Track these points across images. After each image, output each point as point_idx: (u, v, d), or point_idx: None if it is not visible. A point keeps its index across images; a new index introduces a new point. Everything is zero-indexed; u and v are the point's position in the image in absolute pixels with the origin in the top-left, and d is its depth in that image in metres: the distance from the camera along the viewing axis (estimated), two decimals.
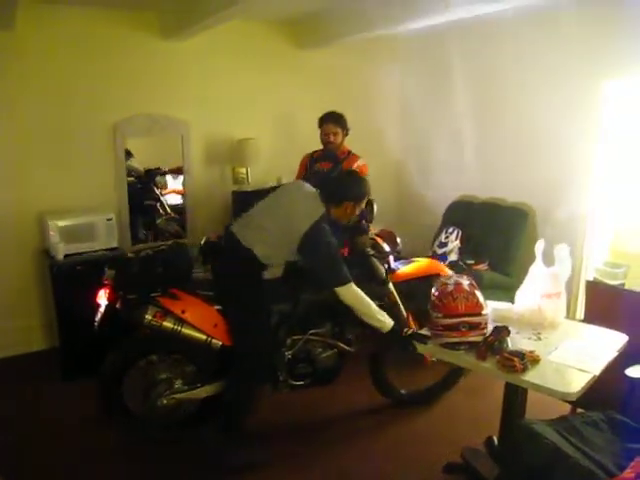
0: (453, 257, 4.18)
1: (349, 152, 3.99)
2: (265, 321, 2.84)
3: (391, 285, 3.10)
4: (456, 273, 2.96)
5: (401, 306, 3.13)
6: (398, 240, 3.22)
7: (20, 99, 3.91)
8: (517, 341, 2.37)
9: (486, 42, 4.54)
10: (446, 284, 2.47)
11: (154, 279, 2.78)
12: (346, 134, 3.97)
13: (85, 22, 4.02)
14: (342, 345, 3.09)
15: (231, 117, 4.68)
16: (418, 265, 3.32)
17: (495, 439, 2.81)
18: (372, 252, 3.04)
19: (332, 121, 3.90)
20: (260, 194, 4.04)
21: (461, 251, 4.25)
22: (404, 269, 3.24)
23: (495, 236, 4.33)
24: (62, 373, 3.76)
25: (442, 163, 5.20)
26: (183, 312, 2.75)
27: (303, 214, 2.74)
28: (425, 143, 5.38)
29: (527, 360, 2.16)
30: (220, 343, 2.82)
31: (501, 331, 2.34)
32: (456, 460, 2.80)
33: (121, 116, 4.25)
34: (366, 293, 2.80)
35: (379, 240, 3.15)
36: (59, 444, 3.07)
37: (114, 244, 4.02)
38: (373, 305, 2.74)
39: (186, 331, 2.78)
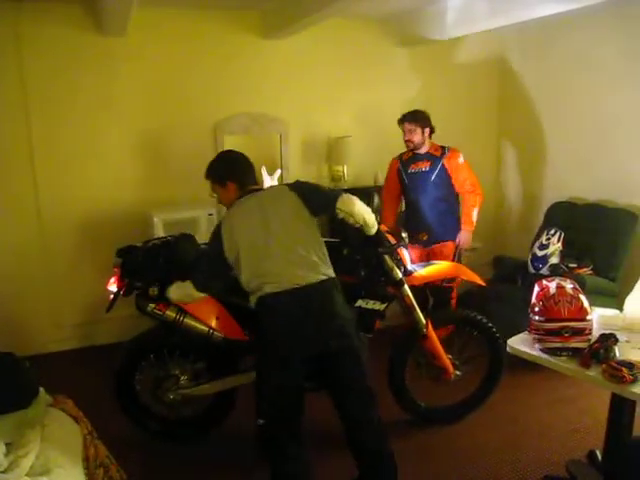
0: (554, 260, 4.02)
1: (444, 147, 3.93)
2: None
3: (407, 287, 2.92)
4: (557, 276, 2.83)
5: (418, 309, 2.96)
6: (403, 235, 3.04)
7: (130, 100, 4.17)
8: (626, 350, 2.24)
9: (588, 35, 4.33)
10: (548, 287, 2.38)
11: (157, 269, 2.77)
12: (431, 131, 3.91)
13: (189, 24, 4.21)
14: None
15: (328, 115, 4.73)
16: (437, 268, 3.20)
17: (598, 453, 2.67)
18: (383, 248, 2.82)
19: (409, 119, 3.86)
20: (358, 192, 4.04)
21: (563, 254, 4.07)
22: (422, 271, 3.09)
23: (600, 239, 4.13)
24: None
25: (544, 162, 5.01)
26: (185, 303, 2.75)
27: (278, 195, 2.53)
28: (525, 142, 5.20)
29: (637, 371, 2.04)
30: (222, 336, 2.80)
31: (608, 339, 2.22)
32: (554, 473, 2.69)
33: (222, 115, 4.41)
34: (376, 293, 2.84)
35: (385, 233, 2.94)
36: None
37: None
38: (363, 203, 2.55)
39: (188, 322, 2.78)
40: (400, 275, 2.88)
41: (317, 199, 2.49)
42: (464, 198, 3.98)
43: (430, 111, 3.93)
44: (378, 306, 2.90)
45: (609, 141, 4.39)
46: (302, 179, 2.67)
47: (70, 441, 1.99)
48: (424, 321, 2.95)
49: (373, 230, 2.61)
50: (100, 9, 3.49)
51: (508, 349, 2.44)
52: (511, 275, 4.28)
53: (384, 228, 2.94)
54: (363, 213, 2.53)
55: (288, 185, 2.56)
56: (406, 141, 3.91)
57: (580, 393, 3.44)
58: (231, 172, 2.59)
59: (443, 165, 3.88)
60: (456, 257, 4.00)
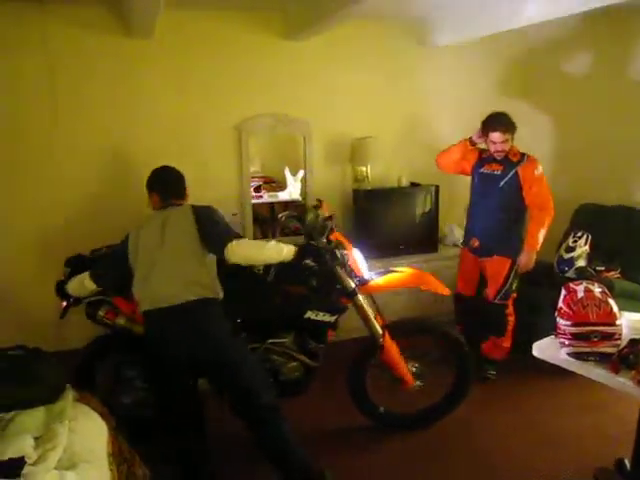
0: (581, 263, 3.96)
1: (523, 155, 3.60)
2: None
3: (360, 297, 2.87)
4: (585, 280, 2.78)
5: (373, 320, 2.90)
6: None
7: (155, 101, 4.21)
8: None
9: None
10: (575, 290, 2.35)
11: None
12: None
13: (213, 25, 4.23)
14: (304, 358, 2.92)
15: (351, 116, 4.71)
16: (397, 277, 3.05)
17: (627, 462, 2.62)
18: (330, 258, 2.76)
19: (502, 129, 3.49)
20: (381, 193, 4.04)
21: (590, 257, 4.01)
22: (378, 280, 3.00)
23: (629, 242, 4.07)
24: None
25: (570, 162, 4.95)
26: (133, 312, 2.81)
27: (181, 216, 2.66)
28: (551, 143, 5.14)
29: None
30: None
31: (638, 344, 2.18)
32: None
33: (245, 115, 4.43)
34: (327, 305, 2.81)
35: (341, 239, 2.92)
36: None
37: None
38: (267, 243, 2.55)
39: (138, 329, 2.81)
40: (352, 285, 2.84)
41: (210, 240, 2.56)
42: (532, 214, 3.60)
43: (457, 111, 3.89)
44: (327, 318, 2.85)
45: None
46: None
47: (96, 436, 2.02)
48: (380, 331, 2.89)
49: (288, 259, 2.56)
50: (127, 12, 3.54)
51: (534, 353, 2.41)
52: (536, 278, 4.23)
53: (335, 237, 2.91)
54: (261, 259, 2.58)
55: (194, 209, 2.65)
56: (496, 152, 3.58)
57: (609, 400, 3.39)
58: (156, 184, 2.83)
59: (517, 173, 3.54)
60: (511, 278, 3.67)
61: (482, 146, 3.74)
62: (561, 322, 2.28)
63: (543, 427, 3.24)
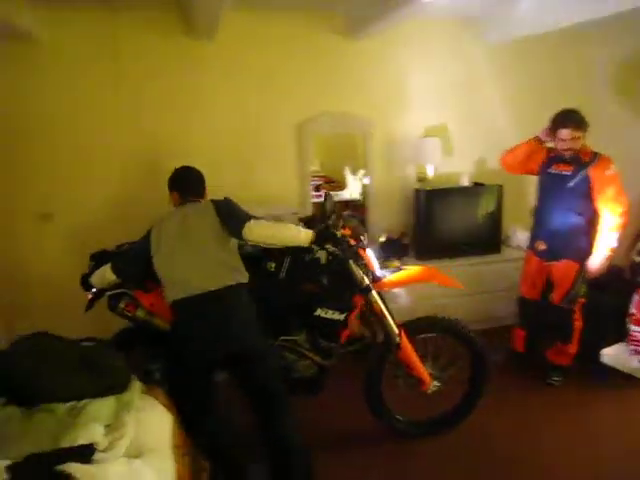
0: None
1: (595, 154, 3.43)
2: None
3: (375, 294, 2.81)
4: None
5: (389, 318, 2.83)
6: (362, 238, 2.90)
7: (217, 100, 4.29)
8: None
9: None
10: None
11: None
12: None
13: (274, 25, 4.27)
14: (315, 356, 2.88)
15: (413, 114, 4.67)
16: (408, 273, 3.02)
17: None
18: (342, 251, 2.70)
19: (572, 125, 3.33)
20: (443, 193, 3.98)
21: None
22: (391, 277, 2.96)
23: None
24: None
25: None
26: (151, 305, 2.88)
27: (202, 210, 2.72)
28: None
29: None
30: None
31: None
32: None
33: (306, 114, 4.46)
34: (336, 303, 2.77)
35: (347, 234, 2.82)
36: None
37: None
38: (285, 224, 2.59)
39: (157, 322, 2.90)
40: (366, 282, 2.78)
41: (230, 223, 2.61)
42: (603, 217, 3.42)
43: (521, 109, 3.77)
44: (337, 316, 2.81)
45: None
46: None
47: (161, 428, 2.09)
48: (397, 330, 2.83)
49: (306, 243, 2.57)
50: (191, 14, 3.65)
51: (603, 360, 2.33)
52: (603, 282, 4.05)
53: (346, 232, 2.83)
54: (277, 238, 2.57)
55: (213, 202, 2.72)
56: (565, 150, 3.43)
57: None
58: (177, 183, 2.94)
59: (587, 173, 3.38)
60: (578, 282, 3.52)
61: (550, 145, 3.63)
62: (634, 329, 2.20)
63: (611, 441, 3.08)
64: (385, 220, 4.69)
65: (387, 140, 4.66)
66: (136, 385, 2.28)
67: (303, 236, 2.54)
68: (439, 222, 4.47)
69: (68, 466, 1.62)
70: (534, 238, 3.74)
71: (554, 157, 3.56)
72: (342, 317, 2.82)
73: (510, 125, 4.66)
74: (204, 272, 2.53)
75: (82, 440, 1.81)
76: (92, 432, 1.86)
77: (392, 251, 4.33)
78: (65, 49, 3.96)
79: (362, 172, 4.75)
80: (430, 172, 4.61)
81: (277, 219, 4.09)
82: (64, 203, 4.09)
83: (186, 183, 2.94)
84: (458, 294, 4.35)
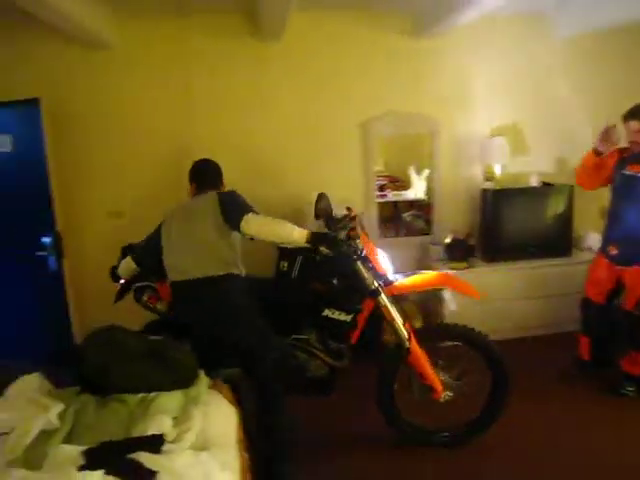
0: None
1: None
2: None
3: (385, 297, 2.76)
4: None
5: (399, 322, 2.77)
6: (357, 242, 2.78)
7: (282, 99, 4.36)
8: None
9: None
10: None
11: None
12: None
13: (340, 25, 4.30)
14: (325, 356, 2.85)
15: (481, 113, 4.58)
16: (422, 277, 2.93)
17: None
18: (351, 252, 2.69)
19: (634, 117, 3.25)
20: (511, 193, 3.87)
21: None
22: (404, 281, 2.87)
23: None
24: None
25: None
26: (127, 276, 3.06)
27: (206, 200, 2.82)
28: None
29: None
30: None
31: None
32: None
33: (371, 114, 4.45)
34: (343, 304, 2.77)
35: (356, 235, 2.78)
36: None
37: None
38: (282, 222, 2.59)
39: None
40: (375, 284, 2.75)
41: (230, 215, 2.69)
42: None
43: (593, 108, 3.63)
44: (343, 317, 2.80)
45: None
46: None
47: (227, 422, 2.14)
48: (406, 334, 2.77)
49: (300, 242, 2.56)
50: (259, 18, 3.73)
51: None
52: None
53: (354, 234, 2.79)
54: (271, 234, 2.59)
55: (218, 193, 2.83)
56: (630, 142, 3.35)
57: None
58: (195, 175, 3.10)
59: None
60: None
61: (618, 147, 3.46)
62: None
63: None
64: (451, 220, 4.62)
65: (453, 139, 4.59)
66: (203, 380, 2.34)
67: (297, 234, 2.55)
68: (506, 223, 4.36)
69: (138, 455, 1.69)
70: (606, 241, 3.58)
71: (628, 157, 3.40)
72: (348, 318, 2.81)
73: (584, 123, 4.49)
74: (198, 260, 2.69)
75: (152, 431, 1.88)
76: (161, 424, 1.93)
77: (458, 252, 4.27)
78: (138, 54, 4.15)
79: (427, 171, 4.69)
80: (497, 171, 4.51)
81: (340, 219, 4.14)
82: (131, 202, 4.28)
83: (203, 175, 3.08)
84: (521, 297, 4.26)
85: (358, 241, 2.76)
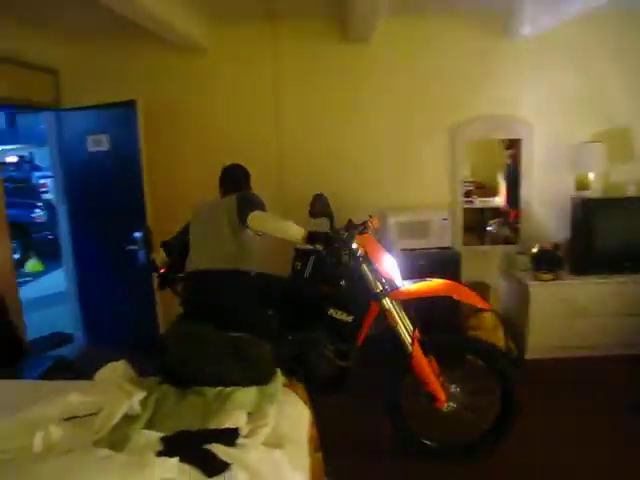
0: None
1: None
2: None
3: (388, 301, 2.80)
4: None
5: (402, 327, 2.80)
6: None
7: (370, 101, 4.37)
8: None
9: None
10: None
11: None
12: None
13: (428, 28, 4.26)
14: (332, 355, 2.86)
15: (576, 118, 4.38)
16: (429, 284, 2.91)
17: None
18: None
19: None
20: (606, 203, 3.67)
21: None
22: (409, 287, 2.89)
23: None
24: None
25: None
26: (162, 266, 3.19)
27: (225, 201, 2.99)
28: None
29: None
30: None
31: None
32: None
33: (460, 118, 4.37)
34: (347, 305, 2.84)
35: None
36: None
37: (447, 243, 4.16)
38: (282, 220, 2.73)
39: None
40: (379, 288, 2.80)
41: (241, 211, 2.82)
42: None
43: None
44: (345, 317, 2.87)
45: None
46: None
47: (300, 422, 2.15)
48: (409, 339, 2.80)
49: (298, 238, 2.68)
50: (348, 22, 3.74)
51: None
52: None
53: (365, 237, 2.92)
54: (273, 230, 2.75)
55: (237, 195, 2.96)
56: None
57: None
58: (222, 179, 3.27)
59: None
60: None
61: None
62: None
63: None
64: (539, 229, 4.46)
65: (545, 145, 4.43)
66: (279, 378, 2.37)
67: (296, 231, 2.68)
68: (599, 235, 4.12)
69: (213, 446, 1.72)
70: None
71: None
72: (350, 319, 2.88)
73: None
74: (210, 253, 2.90)
75: (227, 424, 1.91)
76: (237, 418, 1.96)
77: (545, 263, 4.10)
78: (228, 57, 4.32)
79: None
80: (592, 180, 4.29)
81: (424, 225, 4.09)
82: None
83: (229, 180, 3.25)
84: (620, 313, 4.02)
85: (354, 244, 2.76)
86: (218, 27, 4.22)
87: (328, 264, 2.76)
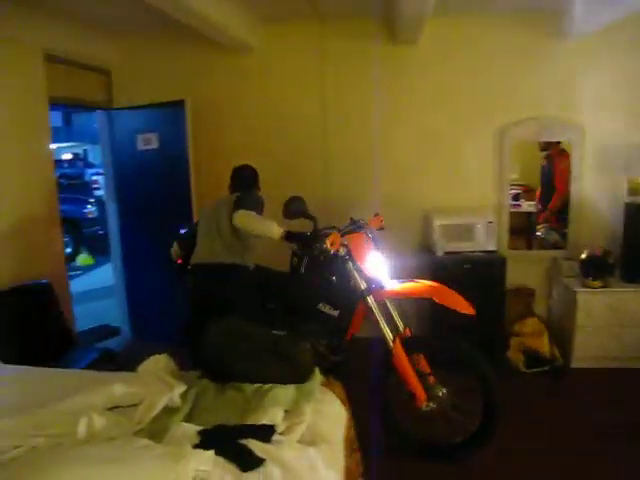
0: None
1: None
2: None
3: (371, 300, 2.89)
4: None
5: (384, 324, 2.88)
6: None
7: (417, 102, 4.35)
8: None
9: None
10: None
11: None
12: None
13: (476, 28, 4.20)
14: (322, 348, 2.90)
15: (630, 120, 4.22)
16: (413, 286, 2.95)
17: None
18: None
19: None
20: None
21: None
22: (395, 287, 2.95)
23: None
24: None
25: None
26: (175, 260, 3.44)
27: (227, 199, 3.17)
28: None
29: None
30: None
31: None
32: None
33: (508, 120, 4.29)
34: (334, 300, 2.97)
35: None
36: None
37: (492, 247, 4.09)
38: (263, 219, 2.93)
39: None
40: (362, 286, 2.91)
41: (234, 208, 3.00)
42: None
43: None
44: (332, 312, 3.01)
45: None
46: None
47: (337, 421, 2.15)
48: (391, 336, 2.87)
49: (276, 237, 2.85)
50: (396, 23, 3.72)
51: None
52: None
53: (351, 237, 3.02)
54: (254, 228, 2.93)
55: (239, 193, 3.19)
56: None
57: None
58: (231, 178, 3.43)
59: None
60: None
61: None
62: None
63: None
64: (589, 235, 4.32)
65: (597, 148, 4.29)
66: (317, 377, 2.38)
67: (275, 230, 2.86)
68: None
69: (249, 441, 1.75)
70: None
71: None
72: (336, 313, 3.01)
73: None
74: (211, 247, 3.12)
75: (264, 420, 1.93)
76: (274, 415, 1.98)
77: (594, 269, 3.97)
78: (275, 58, 4.37)
79: None
80: None
81: (469, 227, 4.04)
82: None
83: (237, 179, 3.42)
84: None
85: (327, 244, 2.80)
86: (266, 28, 4.27)
87: (321, 261, 2.97)
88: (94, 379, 2.42)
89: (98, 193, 10.36)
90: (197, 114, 4.27)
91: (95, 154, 15.62)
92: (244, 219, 2.94)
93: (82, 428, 1.85)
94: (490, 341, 3.84)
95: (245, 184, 3.37)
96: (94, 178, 11.71)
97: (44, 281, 3.61)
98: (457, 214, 4.19)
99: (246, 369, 2.31)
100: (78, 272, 7.93)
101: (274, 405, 2.06)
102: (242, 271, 3.13)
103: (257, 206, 3.05)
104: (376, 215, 3.36)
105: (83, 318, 4.46)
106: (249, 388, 2.23)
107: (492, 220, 4.13)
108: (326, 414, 2.13)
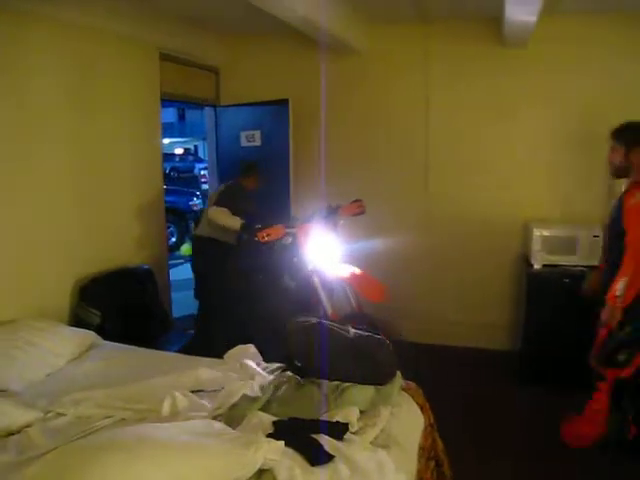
0: None
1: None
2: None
3: (315, 279, 3.34)
4: None
5: (324, 299, 3.33)
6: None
7: (525, 107, 4.19)
8: None
9: None
10: None
11: None
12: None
13: (587, 28, 3.98)
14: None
15: None
16: (341, 271, 3.36)
17: None
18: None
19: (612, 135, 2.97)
20: None
21: None
22: (332, 271, 3.36)
23: None
24: (518, 376, 3.82)
25: None
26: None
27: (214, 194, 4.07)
28: None
29: None
30: None
31: None
32: None
33: (614, 122, 4.00)
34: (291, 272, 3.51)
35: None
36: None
37: (596, 262, 3.84)
38: (229, 215, 3.71)
39: None
40: (308, 267, 3.37)
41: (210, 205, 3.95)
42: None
43: None
44: (290, 283, 3.53)
45: None
46: None
47: (412, 426, 2.13)
48: (330, 310, 3.30)
49: (237, 229, 3.64)
50: (503, 23, 3.60)
51: None
52: None
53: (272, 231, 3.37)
54: (221, 222, 3.75)
55: (227, 183, 4.08)
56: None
57: None
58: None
59: (621, 204, 2.76)
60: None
61: None
62: None
63: None
64: None
65: None
66: (398, 380, 2.35)
67: (235, 223, 3.64)
68: None
69: (321, 437, 1.76)
70: None
71: None
72: (292, 284, 3.54)
73: None
74: (203, 224, 4.04)
75: (339, 418, 1.94)
76: (349, 413, 1.98)
77: None
78: (380, 59, 4.38)
79: None
80: None
81: (571, 240, 3.82)
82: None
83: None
84: None
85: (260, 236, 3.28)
86: (370, 30, 4.28)
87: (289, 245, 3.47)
88: (184, 362, 2.55)
89: (205, 187, 10.81)
90: (298, 114, 4.36)
91: (205, 149, 16.35)
92: (214, 214, 3.77)
93: (166, 407, 1.97)
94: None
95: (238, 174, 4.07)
96: (202, 172, 12.25)
97: (145, 266, 3.83)
98: (559, 226, 3.97)
99: (331, 369, 2.31)
100: (180, 261, 8.29)
101: (351, 404, 2.07)
102: (218, 245, 3.91)
103: (229, 202, 3.77)
104: (355, 201, 3.67)
105: (180, 305, 4.67)
106: (328, 385, 2.24)
107: (598, 234, 3.88)
108: (402, 419, 2.11)
